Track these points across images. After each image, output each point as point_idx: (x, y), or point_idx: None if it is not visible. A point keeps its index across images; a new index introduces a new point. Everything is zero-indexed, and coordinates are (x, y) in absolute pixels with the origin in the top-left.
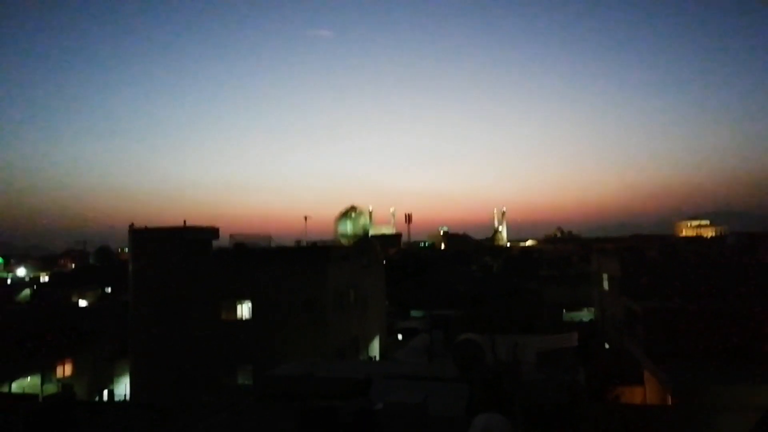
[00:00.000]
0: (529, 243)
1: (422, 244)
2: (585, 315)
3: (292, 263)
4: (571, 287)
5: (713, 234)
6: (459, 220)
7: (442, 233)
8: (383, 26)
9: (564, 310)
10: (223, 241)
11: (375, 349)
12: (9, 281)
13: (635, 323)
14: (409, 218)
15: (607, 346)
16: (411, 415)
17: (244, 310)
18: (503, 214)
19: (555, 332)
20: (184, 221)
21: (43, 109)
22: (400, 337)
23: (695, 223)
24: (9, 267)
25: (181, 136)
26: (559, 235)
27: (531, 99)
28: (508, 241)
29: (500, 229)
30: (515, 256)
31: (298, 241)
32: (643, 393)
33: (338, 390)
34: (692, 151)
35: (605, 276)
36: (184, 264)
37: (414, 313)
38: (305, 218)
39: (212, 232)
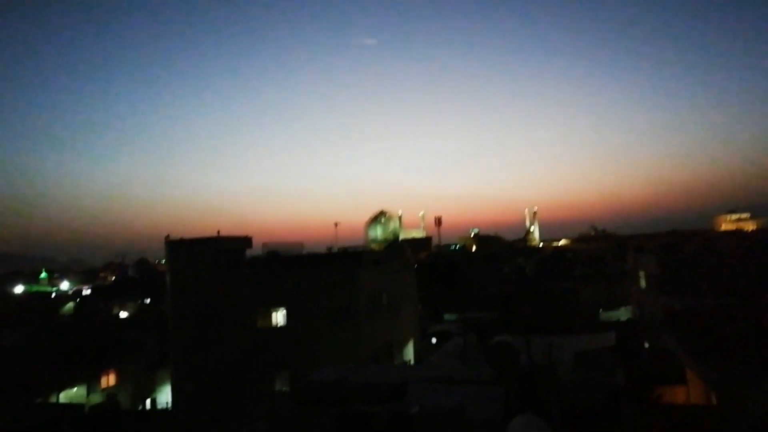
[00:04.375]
0: (562, 242)
1: (453, 247)
2: (622, 314)
3: (324, 270)
4: (607, 286)
5: (754, 227)
6: (490, 222)
7: (472, 235)
8: (411, 30)
9: (600, 310)
10: (256, 249)
11: (409, 353)
12: (53, 295)
13: (675, 321)
14: (438, 221)
15: (646, 345)
16: (448, 419)
17: (279, 317)
18: (535, 213)
19: (591, 332)
20: (218, 231)
21: (83, 126)
22: (433, 340)
23: (735, 216)
24: (53, 281)
25: (213, 147)
26: (592, 233)
27: (560, 95)
28: (541, 241)
29: (532, 229)
30: (548, 256)
31: (330, 248)
32: (686, 393)
33: (374, 394)
34: (729, 142)
35: (642, 274)
36: (219, 273)
37: (447, 316)
38: (335, 224)
39: (246, 241)
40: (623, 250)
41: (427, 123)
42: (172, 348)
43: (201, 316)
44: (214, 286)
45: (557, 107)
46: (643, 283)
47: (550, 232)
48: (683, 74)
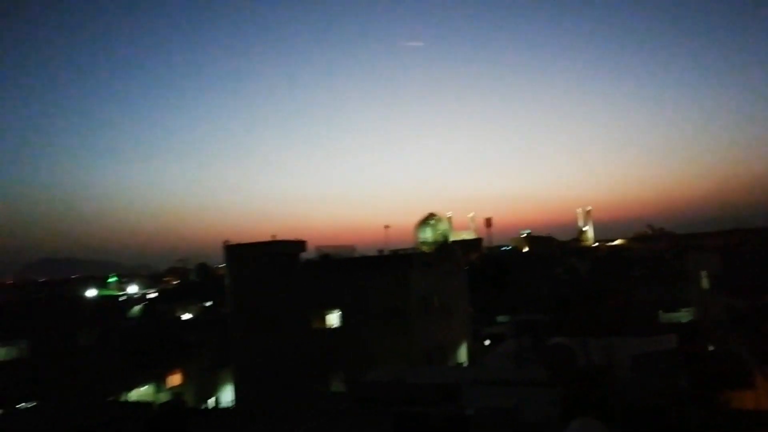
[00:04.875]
0: (617, 242)
1: (504, 248)
2: (683, 316)
3: (376, 272)
4: (666, 287)
5: None
6: (541, 222)
7: (524, 236)
8: (457, 32)
9: (659, 311)
10: (310, 253)
11: (462, 355)
12: (122, 298)
13: (741, 323)
14: (488, 223)
15: (710, 348)
16: (503, 421)
17: (334, 318)
18: (588, 213)
19: (651, 334)
20: (274, 236)
21: (148, 138)
22: (486, 342)
23: None
24: (121, 285)
25: (269, 154)
26: (649, 232)
27: (613, 91)
28: (595, 241)
29: (586, 229)
30: (603, 256)
31: (380, 250)
32: (755, 398)
33: (428, 395)
34: None
35: (704, 273)
36: (275, 276)
37: (499, 318)
38: (386, 227)
39: (300, 245)
40: (682, 249)
41: (477, 124)
42: (232, 349)
43: (259, 318)
44: (270, 288)
45: (610, 102)
46: (704, 283)
47: (604, 231)
48: (744, 65)
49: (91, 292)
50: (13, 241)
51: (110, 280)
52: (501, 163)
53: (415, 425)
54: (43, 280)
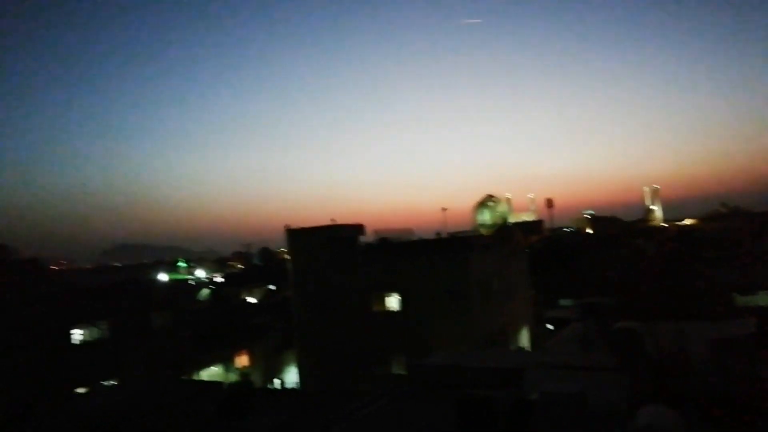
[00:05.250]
0: (687, 222)
1: (566, 230)
2: (761, 299)
3: (434, 255)
4: (742, 269)
5: None
6: (606, 202)
7: (587, 217)
8: (518, 7)
9: (735, 294)
10: (369, 236)
11: (524, 339)
12: (191, 282)
13: None
14: (550, 203)
15: None
16: (568, 405)
17: (393, 301)
18: (656, 191)
19: (727, 318)
20: (333, 220)
21: (214, 128)
22: (549, 327)
23: None
24: (190, 270)
25: (328, 140)
26: (723, 210)
27: (681, 60)
28: (664, 221)
29: (653, 208)
30: (672, 236)
31: (438, 233)
32: None
33: (491, 379)
34: None
35: None
36: (335, 260)
37: (562, 302)
38: (443, 210)
39: (358, 228)
40: (760, 228)
41: (536, 102)
42: (295, 331)
43: (320, 301)
44: (330, 272)
45: (677, 74)
46: None
47: (673, 211)
48: None
49: (163, 277)
50: (92, 229)
51: (180, 264)
52: (562, 141)
53: (477, 409)
54: (119, 264)
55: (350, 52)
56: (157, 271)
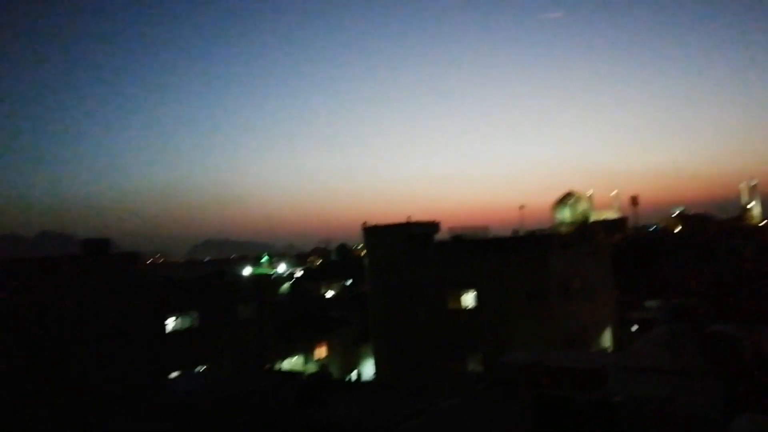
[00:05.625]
0: None
1: (652, 228)
2: None
3: (512, 253)
4: None
5: None
6: (696, 199)
7: (675, 215)
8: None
9: None
10: (443, 234)
11: (606, 340)
12: (273, 276)
13: None
14: (634, 201)
15: None
16: (656, 411)
17: (469, 299)
18: (754, 187)
19: None
20: (409, 217)
21: (292, 128)
22: (634, 328)
23: None
24: (272, 264)
25: (404, 137)
26: None
27: None
28: (763, 219)
29: (751, 205)
30: None
31: (515, 231)
32: None
33: (572, 379)
34: None
35: None
36: (410, 256)
37: (648, 303)
38: (521, 207)
39: (434, 226)
40: None
41: (619, 95)
42: (371, 325)
43: (396, 296)
44: (406, 268)
45: None
46: None
47: None
48: None
49: (247, 271)
50: (183, 225)
51: (263, 259)
52: (649, 136)
53: (557, 409)
54: (207, 259)
55: (429, 51)
56: (242, 265)
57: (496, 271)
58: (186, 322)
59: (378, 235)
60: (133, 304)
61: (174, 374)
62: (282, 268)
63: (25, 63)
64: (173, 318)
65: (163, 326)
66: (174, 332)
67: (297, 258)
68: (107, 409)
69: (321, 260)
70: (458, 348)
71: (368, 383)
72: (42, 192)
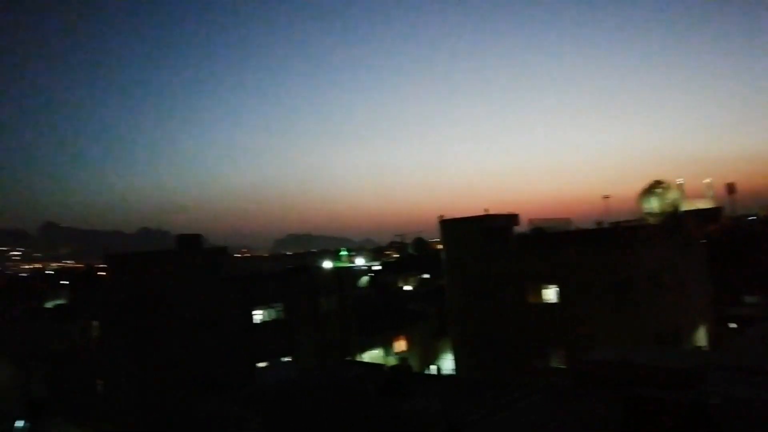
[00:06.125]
0: None
1: (752, 218)
2: None
3: (595, 246)
4: None
5: None
6: None
7: None
8: None
9: None
10: (523, 226)
11: (701, 338)
12: (352, 270)
13: None
14: (731, 188)
15: None
16: (756, 413)
17: (550, 293)
18: None
19: None
20: (486, 210)
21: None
22: (732, 325)
23: None
24: (350, 258)
25: (480, 130)
26: None
27: None
28: None
29: None
30: None
31: (599, 222)
32: None
33: (663, 379)
34: None
35: None
36: (488, 250)
37: (747, 298)
38: (604, 198)
39: (512, 218)
40: None
41: (712, 77)
42: (450, 319)
43: (474, 290)
44: (484, 262)
45: None
46: None
47: None
48: None
49: (327, 264)
50: (267, 221)
51: (341, 253)
52: (743, 118)
53: (649, 411)
54: (290, 253)
55: (508, 41)
56: (322, 259)
57: (579, 264)
58: (272, 314)
59: (455, 228)
60: (223, 296)
61: (261, 364)
62: (360, 261)
63: (138, 68)
64: (260, 310)
65: (251, 318)
66: (261, 324)
67: (374, 252)
68: (203, 394)
69: (398, 254)
70: (539, 344)
71: (448, 377)
72: (141, 192)
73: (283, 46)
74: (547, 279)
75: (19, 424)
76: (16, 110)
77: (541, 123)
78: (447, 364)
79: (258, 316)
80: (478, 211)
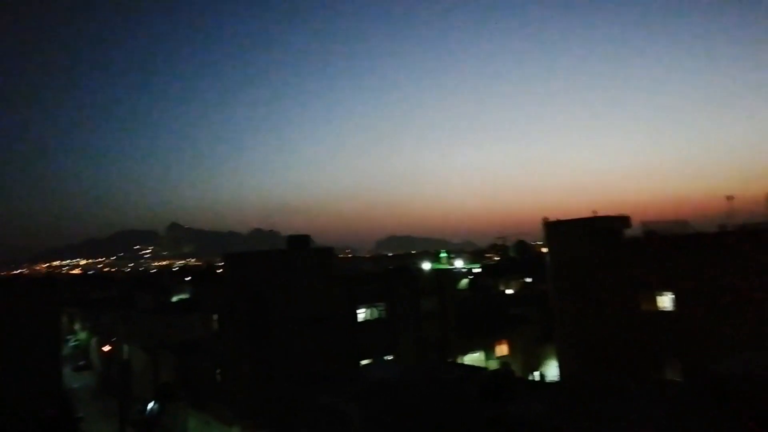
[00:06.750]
0: None
1: None
2: None
3: (720, 251)
4: None
5: None
6: None
7: None
8: None
9: None
10: (635, 229)
11: None
12: (453, 272)
13: None
14: None
15: None
16: None
17: (666, 300)
18: None
19: None
20: (595, 211)
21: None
22: None
23: None
24: (450, 260)
25: (587, 127)
26: None
27: None
28: None
29: None
30: None
31: (722, 225)
32: None
33: None
34: None
35: None
36: (596, 254)
37: None
38: (728, 198)
39: (623, 220)
40: None
41: None
42: (555, 325)
43: (581, 296)
44: (592, 266)
45: None
46: None
47: None
48: None
49: (427, 266)
50: (369, 222)
51: (441, 255)
52: None
53: None
54: (391, 254)
55: (609, 43)
56: (422, 260)
57: (699, 271)
58: (374, 313)
59: (560, 230)
60: (331, 294)
61: (365, 361)
62: (459, 263)
63: (257, 73)
64: (364, 309)
65: (356, 316)
66: (364, 322)
67: (474, 254)
68: (312, 387)
69: (498, 257)
70: (653, 353)
71: (553, 383)
72: (254, 195)
73: (389, 49)
74: (663, 286)
75: (152, 405)
76: (152, 121)
77: (652, 119)
78: (551, 370)
79: (362, 314)
80: (585, 213)
